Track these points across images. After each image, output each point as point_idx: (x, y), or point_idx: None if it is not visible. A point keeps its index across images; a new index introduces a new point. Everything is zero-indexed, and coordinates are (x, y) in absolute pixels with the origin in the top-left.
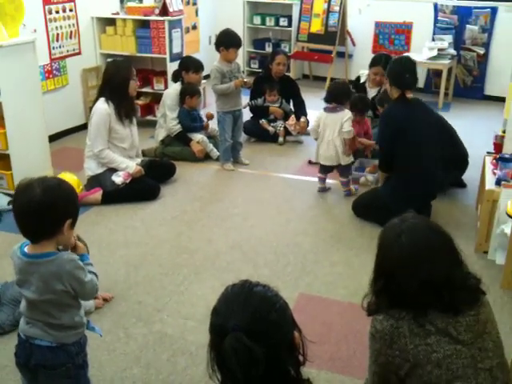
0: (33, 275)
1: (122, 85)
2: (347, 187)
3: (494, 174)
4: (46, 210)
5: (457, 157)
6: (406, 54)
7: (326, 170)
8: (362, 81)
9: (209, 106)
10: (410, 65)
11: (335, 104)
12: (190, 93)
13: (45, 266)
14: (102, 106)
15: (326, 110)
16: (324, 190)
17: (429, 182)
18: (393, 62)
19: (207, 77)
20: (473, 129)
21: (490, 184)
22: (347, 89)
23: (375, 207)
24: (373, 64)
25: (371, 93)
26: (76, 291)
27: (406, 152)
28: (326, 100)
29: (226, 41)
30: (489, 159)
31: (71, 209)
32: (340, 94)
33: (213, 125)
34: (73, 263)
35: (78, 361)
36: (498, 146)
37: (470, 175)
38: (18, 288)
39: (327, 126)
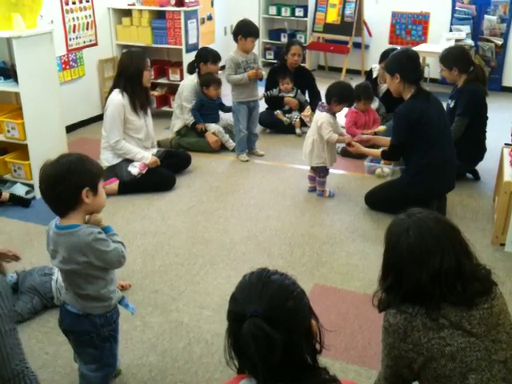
0: (60, 246)
1: (135, 76)
2: (322, 187)
3: None
4: (58, 181)
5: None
6: (406, 47)
7: (312, 167)
8: (374, 75)
9: (224, 96)
10: (417, 56)
11: (325, 102)
12: (204, 83)
13: (68, 238)
14: (117, 97)
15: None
16: (313, 189)
17: (450, 172)
18: (402, 58)
19: (223, 67)
20: (490, 120)
21: (508, 176)
22: (338, 89)
23: (389, 201)
24: (382, 59)
25: (382, 87)
26: (101, 261)
27: (426, 145)
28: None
29: (245, 30)
30: (507, 151)
31: (85, 176)
32: (328, 92)
33: (227, 117)
34: (92, 236)
35: (103, 333)
36: None
37: (487, 167)
38: (51, 260)
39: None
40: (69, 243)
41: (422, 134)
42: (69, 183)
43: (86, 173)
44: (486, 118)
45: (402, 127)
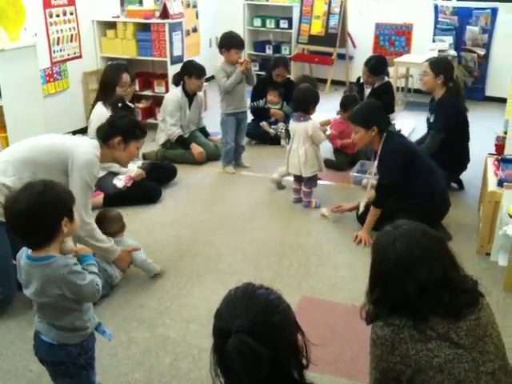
0: (34, 277)
1: (111, 90)
2: (308, 198)
3: (496, 175)
4: (36, 220)
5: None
6: (370, 99)
7: (296, 179)
8: (361, 81)
9: (210, 108)
10: (381, 107)
11: (300, 112)
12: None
13: (42, 270)
14: (101, 111)
15: (293, 118)
16: (299, 200)
17: (445, 196)
18: (375, 110)
19: (208, 79)
20: (474, 130)
21: (492, 185)
22: (310, 94)
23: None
24: (366, 64)
25: (367, 91)
26: (75, 294)
27: (427, 170)
28: (292, 109)
29: (228, 43)
30: (491, 160)
31: (61, 208)
32: (303, 102)
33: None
34: (67, 268)
35: (79, 362)
36: (500, 147)
37: (471, 176)
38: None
39: (294, 135)
40: (43, 275)
41: (419, 162)
42: (47, 215)
43: (61, 201)
44: (468, 129)
45: (398, 164)
